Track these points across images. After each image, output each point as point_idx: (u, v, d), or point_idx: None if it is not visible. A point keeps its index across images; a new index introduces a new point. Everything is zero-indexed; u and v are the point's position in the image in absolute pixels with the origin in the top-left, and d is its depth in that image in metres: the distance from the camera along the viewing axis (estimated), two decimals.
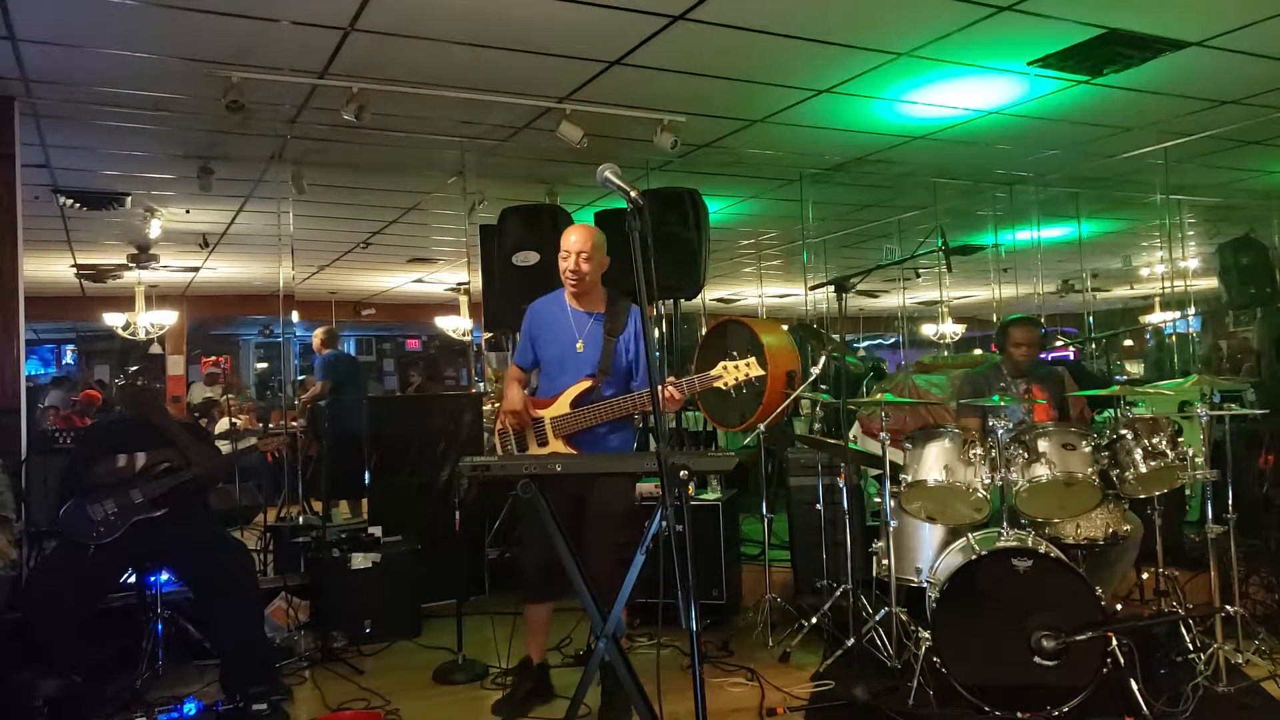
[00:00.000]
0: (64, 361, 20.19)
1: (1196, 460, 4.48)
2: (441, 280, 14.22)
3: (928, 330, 15.71)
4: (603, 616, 3.31)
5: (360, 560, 5.72)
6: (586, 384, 4.23)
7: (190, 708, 4.20)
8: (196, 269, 12.56)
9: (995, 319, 12.21)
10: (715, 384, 3.94)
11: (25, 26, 4.85)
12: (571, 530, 3.83)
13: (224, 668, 4.65)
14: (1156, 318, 13.82)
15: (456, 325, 14.46)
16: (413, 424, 6.71)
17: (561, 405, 4.23)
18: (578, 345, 4.31)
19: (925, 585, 4.72)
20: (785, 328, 7.34)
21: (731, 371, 3.92)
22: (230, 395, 10.99)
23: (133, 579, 4.99)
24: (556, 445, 4.22)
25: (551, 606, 4.46)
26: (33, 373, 16.90)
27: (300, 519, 7.03)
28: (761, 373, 3.90)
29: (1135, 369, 15.53)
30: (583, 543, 4.03)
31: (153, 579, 4.95)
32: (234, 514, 7.73)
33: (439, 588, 6.09)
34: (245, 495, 8.28)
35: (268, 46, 5.17)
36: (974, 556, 4.25)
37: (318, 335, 10.16)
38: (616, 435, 4.33)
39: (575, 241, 4.32)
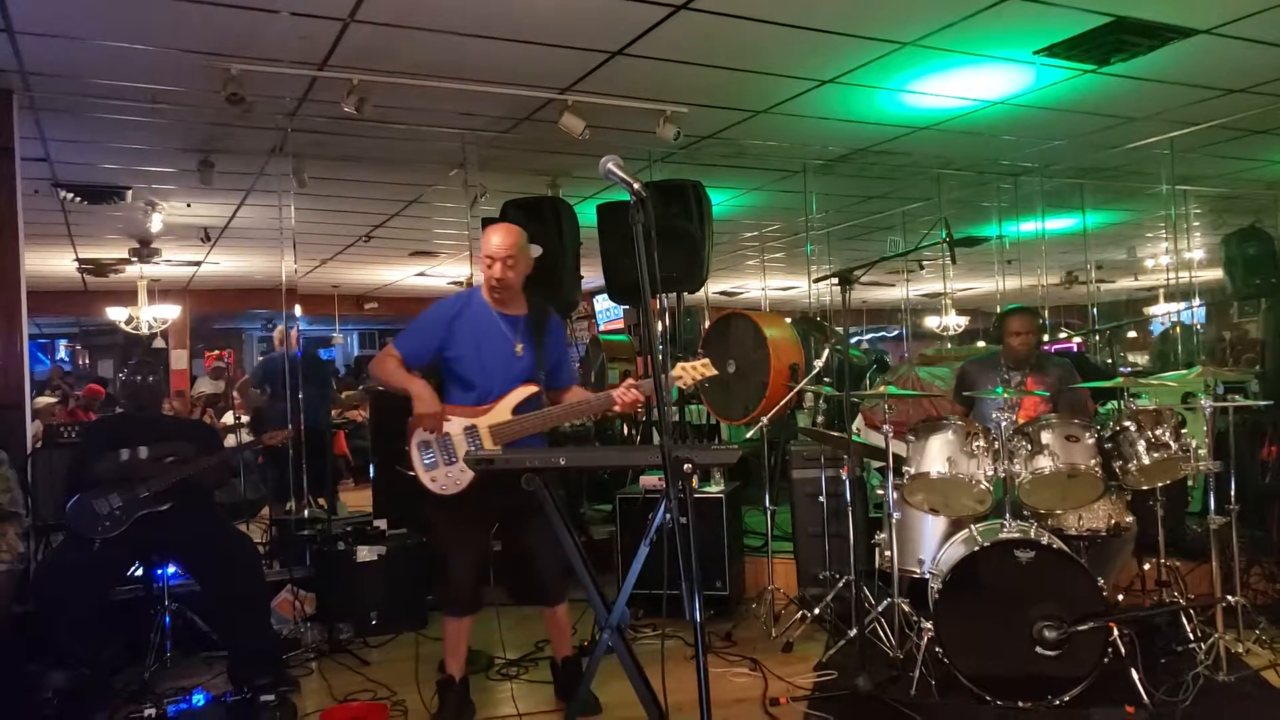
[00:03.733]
0: (58, 357, 20.18)
1: (1199, 452, 4.48)
2: (444, 274, 14.22)
3: (931, 323, 15.69)
4: (608, 608, 3.31)
5: (366, 553, 5.74)
6: (532, 389, 4.07)
7: (198, 699, 4.21)
8: (198, 263, 12.57)
9: (999, 310, 12.20)
10: (676, 385, 3.95)
11: (23, 18, 4.84)
12: (507, 530, 4.04)
13: (231, 659, 4.68)
14: (1161, 309, 13.79)
15: None
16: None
17: (501, 412, 4.01)
18: (517, 349, 4.10)
19: (928, 576, 4.72)
20: (789, 320, 7.33)
21: (689, 371, 3.83)
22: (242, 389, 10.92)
23: (140, 572, 5.01)
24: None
25: (473, 621, 4.26)
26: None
27: (305, 512, 7.04)
28: (713, 373, 3.86)
29: (1139, 359, 15.50)
30: (523, 541, 4.16)
31: (159, 572, 4.97)
32: (239, 507, 7.74)
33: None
34: (250, 489, 8.29)
35: (267, 38, 5.16)
36: (976, 548, 4.25)
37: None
38: (541, 442, 4.17)
39: (499, 245, 4.05)
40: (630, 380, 3.91)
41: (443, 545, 4.16)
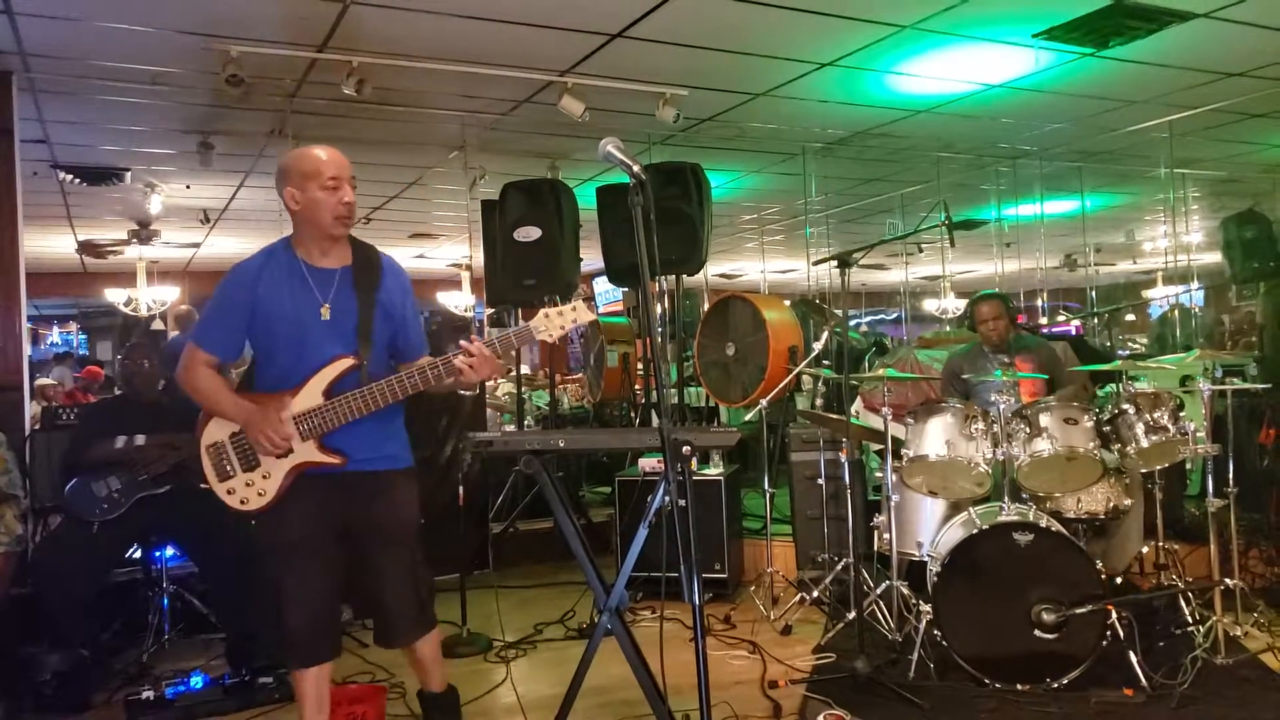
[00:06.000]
0: (54, 341, 20.10)
1: (1198, 434, 4.49)
2: (443, 256, 14.22)
3: (930, 305, 15.69)
4: (606, 591, 3.32)
5: None
6: (346, 362, 3.11)
7: (197, 681, 4.22)
8: (198, 245, 12.55)
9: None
10: (539, 337, 3.10)
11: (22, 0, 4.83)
12: (353, 546, 3.20)
13: (230, 641, 4.69)
14: (1159, 292, 13.80)
15: (458, 301, 14.46)
16: (415, 399, 6.68)
17: (310, 396, 3.08)
18: (322, 311, 3.12)
19: (926, 559, 4.73)
20: (787, 303, 7.33)
21: (555, 319, 3.08)
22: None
23: (138, 554, 5.02)
24: (306, 453, 3.10)
25: (331, 668, 3.30)
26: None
27: None
28: (591, 316, 3.14)
29: (1139, 339, 15.51)
30: (368, 561, 3.24)
31: (158, 554, 4.97)
32: None
33: (443, 562, 6.10)
34: None
35: (267, 19, 5.15)
36: (975, 530, 4.26)
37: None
38: (392, 427, 3.33)
39: (343, 164, 3.14)
40: (475, 337, 3.12)
41: (273, 572, 3.16)
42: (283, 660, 3.28)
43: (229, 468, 3.13)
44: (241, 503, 3.13)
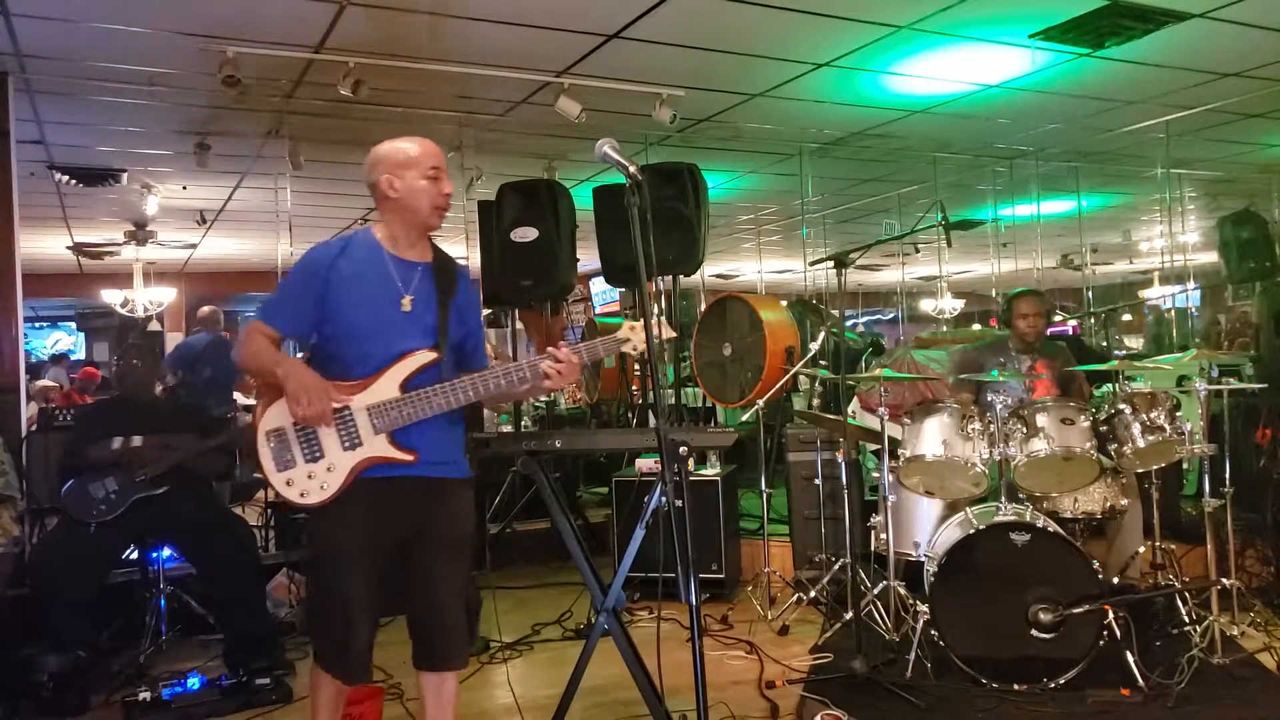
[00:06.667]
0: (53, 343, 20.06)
1: (1194, 435, 4.49)
2: None
3: (927, 305, 15.70)
4: (604, 591, 3.32)
5: None
6: (428, 356, 2.95)
7: (194, 682, 4.22)
8: (194, 246, 12.54)
9: (994, 294, 12.22)
10: (625, 349, 3.04)
11: (19, 1, 4.82)
12: (402, 556, 2.98)
13: (227, 642, 4.68)
14: (1155, 292, 13.81)
15: None
16: None
17: (386, 387, 2.91)
18: (404, 302, 2.98)
19: (923, 559, 4.74)
20: (784, 304, 7.34)
21: (639, 332, 3.00)
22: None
23: (135, 555, 5.02)
24: (377, 447, 2.91)
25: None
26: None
27: None
28: (672, 334, 3.04)
29: (1134, 344, 15.53)
30: (421, 574, 3.01)
31: (155, 555, 4.97)
32: (236, 490, 7.74)
33: None
34: (245, 472, 8.29)
35: (264, 20, 5.14)
36: (972, 530, 4.26)
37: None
38: (456, 432, 3.11)
39: (440, 155, 3.07)
40: (552, 349, 3.00)
41: (329, 579, 2.96)
42: (324, 667, 3.01)
43: (289, 457, 2.89)
44: (301, 495, 2.89)
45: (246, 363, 3.00)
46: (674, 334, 3.09)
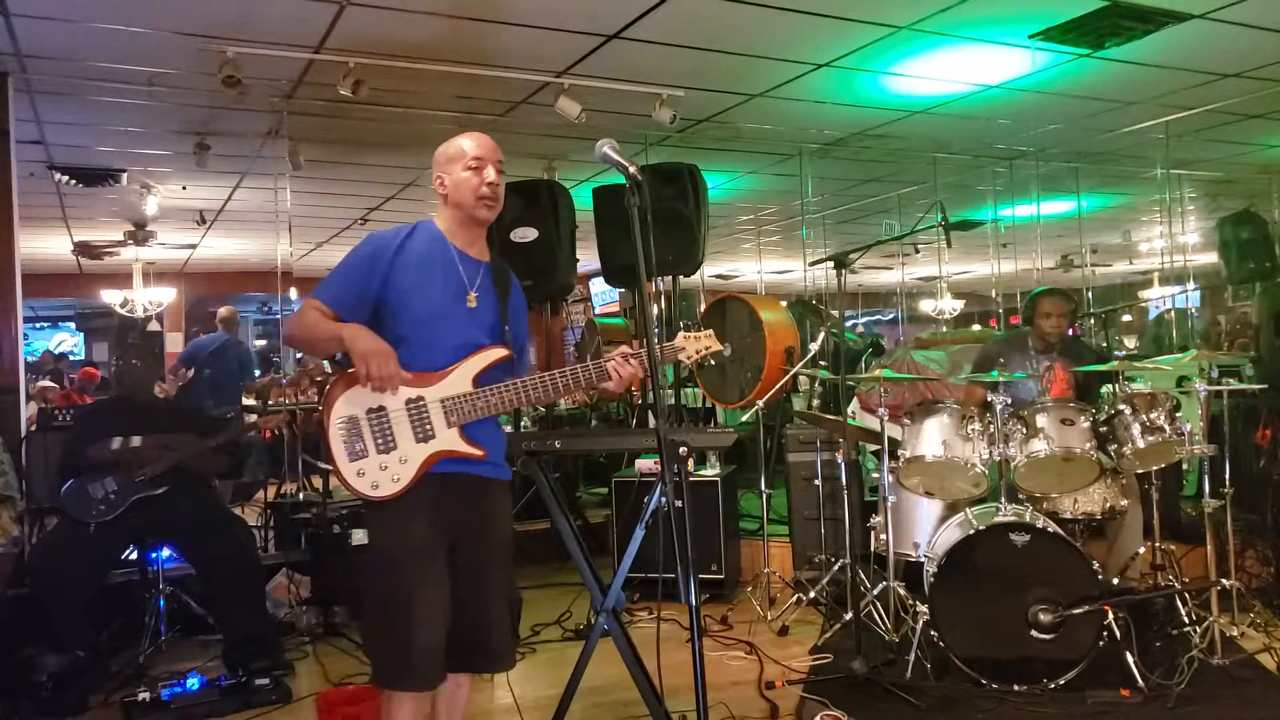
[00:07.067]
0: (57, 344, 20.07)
1: (1194, 435, 4.49)
2: None
3: (926, 306, 15.69)
4: (603, 591, 3.32)
5: (361, 536, 5.72)
6: (500, 352, 2.92)
7: (193, 682, 4.22)
8: (194, 246, 12.54)
9: (994, 294, 12.21)
10: (680, 357, 3.06)
11: (19, 1, 4.82)
12: (450, 555, 2.86)
13: (226, 643, 4.68)
14: (1155, 293, 13.81)
15: None
16: None
17: (459, 381, 2.86)
18: (469, 299, 2.94)
19: (923, 560, 4.74)
20: (784, 304, 7.34)
21: (693, 343, 3.04)
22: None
23: (135, 555, 5.02)
24: (449, 441, 2.83)
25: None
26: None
27: (300, 495, 7.04)
28: (719, 347, 3.08)
29: (1133, 343, 15.52)
30: (471, 577, 2.90)
31: (154, 555, 4.97)
32: (236, 490, 7.75)
33: None
34: (246, 472, 8.30)
35: (264, 20, 5.14)
36: (972, 531, 4.26)
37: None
38: (502, 434, 3.09)
39: (489, 146, 3.00)
40: (625, 349, 3.00)
41: (393, 578, 2.79)
42: (387, 683, 2.83)
43: (360, 446, 2.80)
44: (372, 487, 2.78)
45: (303, 333, 2.90)
46: (719, 347, 3.07)
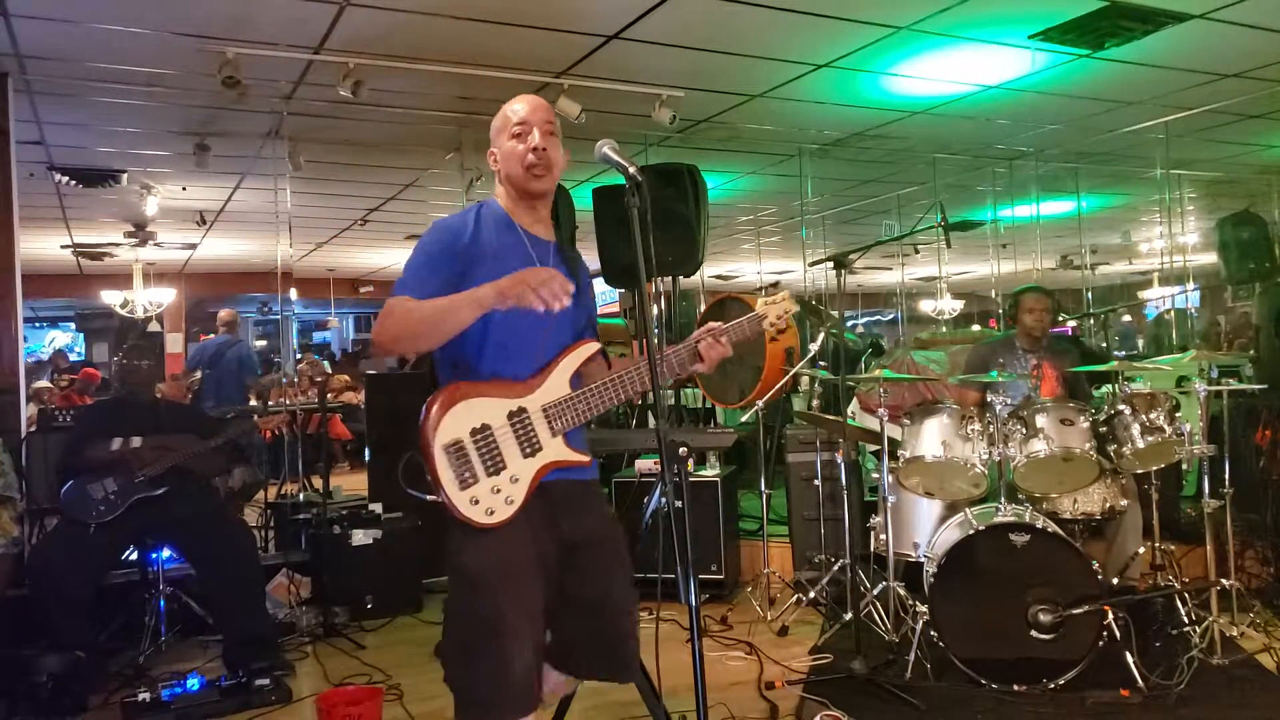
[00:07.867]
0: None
1: (1194, 435, 4.49)
2: None
3: (926, 306, 15.70)
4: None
5: (361, 536, 5.75)
6: (593, 347, 2.72)
7: (193, 683, 4.22)
8: (194, 246, 12.54)
9: (994, 294, 12.22)
10: (761, 326, 2.79)
11: (18, 2, 4.82)
12: (565, 567, 2.63)
13: (227, 643, 4.69)
14: (1155, 293, 13.82)
15: None
16: (412, 400, 6.69)
17: (557, 384, 2.61)
18: None
19: (923, 560, 4.74)
20: None
21: (771, 307, 2.80)
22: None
23: (135, 556, 5.02)
24: (556, 451, 2.59)
25: None
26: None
27: (301, 496, 7.05)
28: (795, 308, 2.84)
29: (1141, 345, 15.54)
30: (588, 584, 2.67)
31: (154, 556, 4.98)
32: (236, 491, 7.76)
33: (439, 563, 6.08)
34: (246, 472, 8.31)
35: (263, 21, 5.14)
36: (971, 531, 4.26)
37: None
38: (583, 427, 2.72)
39: (534, 105, 2.71)
40: (712, 324, 2.75)
41: (487, 602, 2.48)
42: (480, 715, 2.50)
43: (470, 474, 2.48)
44: (489, 514, 2.48)
45: (413, 326, 2.53)
46: (795, 308, 2.84)
